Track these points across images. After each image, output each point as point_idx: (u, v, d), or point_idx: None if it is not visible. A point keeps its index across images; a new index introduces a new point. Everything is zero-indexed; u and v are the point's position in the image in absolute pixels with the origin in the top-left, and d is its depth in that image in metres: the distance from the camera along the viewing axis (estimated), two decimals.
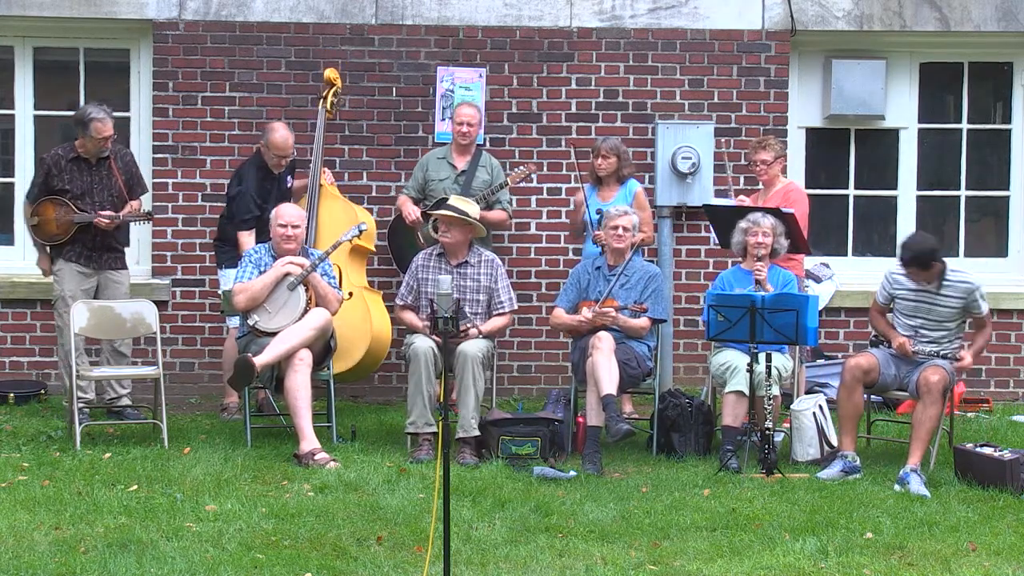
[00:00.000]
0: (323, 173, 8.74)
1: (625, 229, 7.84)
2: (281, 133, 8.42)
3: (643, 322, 7.73)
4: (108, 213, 8.07)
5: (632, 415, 8.33)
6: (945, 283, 7.28)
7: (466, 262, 7.89)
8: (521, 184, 8.92)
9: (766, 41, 9.44)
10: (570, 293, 7.96)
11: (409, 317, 7.90)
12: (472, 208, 7.97)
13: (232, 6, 9.31)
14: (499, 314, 7.92)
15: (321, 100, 8.85)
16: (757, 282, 7.57)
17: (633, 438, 7.62)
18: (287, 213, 7.84)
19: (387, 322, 8.63)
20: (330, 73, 8.88)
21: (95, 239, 8.18)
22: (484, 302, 7.88)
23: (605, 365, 7.38)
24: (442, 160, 8.76)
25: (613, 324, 7.65)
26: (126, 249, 8.75)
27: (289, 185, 8.64)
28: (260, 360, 7.42)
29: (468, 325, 7.67)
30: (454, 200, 8.00)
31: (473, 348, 7.59)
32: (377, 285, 8.97)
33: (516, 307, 8.09)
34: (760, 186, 8.61)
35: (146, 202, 8.68)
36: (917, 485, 6.82)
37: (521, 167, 8.83)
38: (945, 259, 7.36)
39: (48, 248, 8.27)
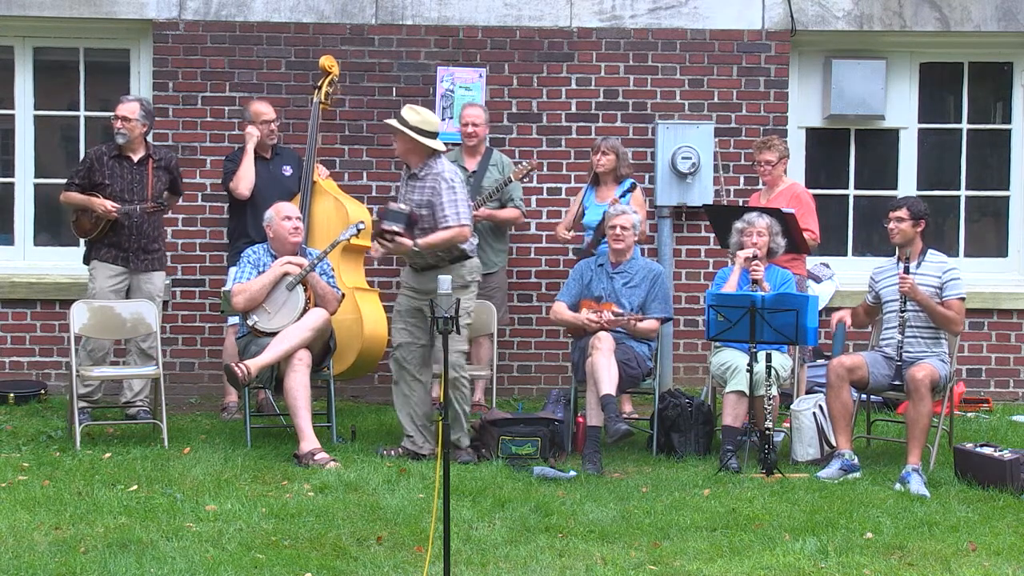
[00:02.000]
0: (316, 169, 8.66)
1: (623, 228, 7.82)
2: (257, 103, 8.63)
3: (651, 323, 7.72)
4: (110, 203, 8.07)
5: (632, 415, 8.33)
6: (924, 261, 7.42)
7: (414, 174, 7.55)
8: (525, 183, 8.89)
9: (766, 41, 9.44)
10: (572, 288, 7.94)
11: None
12: (420, 115, 7.41)
13: (232, 6, 9.31)
14: (443, 228, 7.39)
15: (316, 90, 8.76)
16: (754, 282, 7.57)
17: (633, 438, 7.62)
18: (287, 207, 7.84)
19: (383, 321, 8.57)
20: (325, 61, 8.78)
21: (130, 239, 8.18)
22: (427, 216, 7.42)
23: (605, 365, 7.37)
24: (453, 164, 8.70)
25: (625, 327, 7.63)
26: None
27: (288, 174, 8.60)
28: (259, 361, 7.41)
29: (394, 228, 7.25)
30: (406, 112, 7.46)
31: (453, 356, 7.11)
32: (377, 284, 8.96)
33: (463, 223, 7.41)
34: (762, 186, 8.62)
35: None
36: (917, 485, 6.82)
37: (524, 162, 8.84)
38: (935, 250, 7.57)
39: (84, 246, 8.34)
